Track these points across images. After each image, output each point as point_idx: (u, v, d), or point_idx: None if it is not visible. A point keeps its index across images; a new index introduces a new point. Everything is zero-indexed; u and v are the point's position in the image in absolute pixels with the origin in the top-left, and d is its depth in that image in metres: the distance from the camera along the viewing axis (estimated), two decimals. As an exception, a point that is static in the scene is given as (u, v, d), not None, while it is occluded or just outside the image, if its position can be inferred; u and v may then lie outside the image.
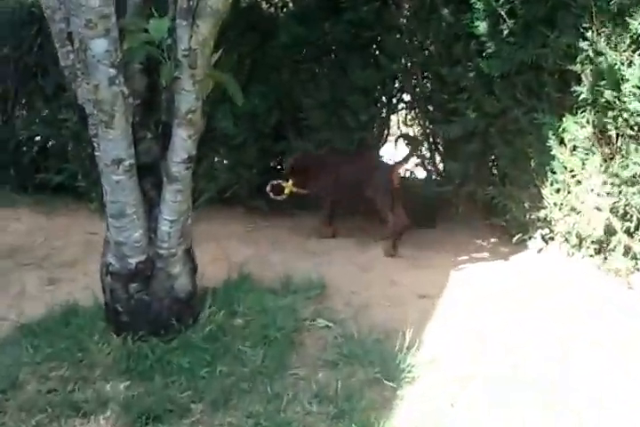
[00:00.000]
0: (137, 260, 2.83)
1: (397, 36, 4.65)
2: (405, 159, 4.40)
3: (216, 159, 5.36)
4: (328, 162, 4.52)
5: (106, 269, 2.84)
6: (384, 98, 4.96)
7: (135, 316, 2.85)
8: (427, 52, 4.56)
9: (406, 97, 4.93)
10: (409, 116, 4.94)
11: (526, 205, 4.22)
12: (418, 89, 4.77)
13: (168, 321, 2.85)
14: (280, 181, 4.61)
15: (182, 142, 2.72)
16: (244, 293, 3.33)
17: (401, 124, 5.12)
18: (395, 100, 4.99)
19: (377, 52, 4.73)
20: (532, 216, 4.22)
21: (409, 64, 4.64)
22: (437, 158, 4.85)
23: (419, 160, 4.92)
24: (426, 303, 3.52)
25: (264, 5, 5.16)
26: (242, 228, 4.87)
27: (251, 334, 2.93)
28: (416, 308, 3.43)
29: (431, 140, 4.79)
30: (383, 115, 4.99)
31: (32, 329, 3.00)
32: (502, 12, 3.94)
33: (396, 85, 4.88)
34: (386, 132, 5.09)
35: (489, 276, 3.91)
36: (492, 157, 4.60)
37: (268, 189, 4.60)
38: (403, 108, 5.04)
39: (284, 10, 5.19)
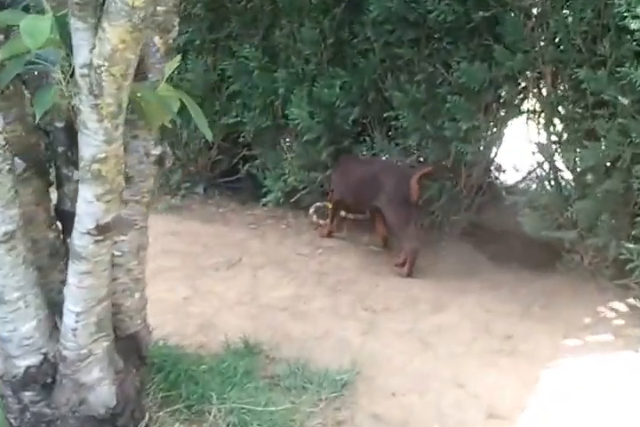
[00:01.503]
0: (27, 362, 1.88)
1: (522, 19, 3.27)
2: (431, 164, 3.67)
3: (285, 156, 4.26)
4: (349, 161, 3.97)
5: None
6: (495, 104, 3.55)
7: (33, 434, 1.96)
8: (561, 46, 3.08)
9: (526, 105, 3.49)
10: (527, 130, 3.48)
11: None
12: (543, 96, 3.33)
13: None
14: (325, 203, 3.77)
15: (87, 206, 1.67)
16: (227, 383, 2.33)
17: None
18: (509, 108, 3.55)
19: (491, 41, 3.29)
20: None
21: (535, 60, 3.19)
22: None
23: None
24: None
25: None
26: (295, 250, 3.78)
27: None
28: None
29: (551, 167, 3.35)
30: (491, 125, 3.59)
31: None
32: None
33: (516, 88, 3.43)
34: (495, 148, 3.71)
35: (614, 382, 2.62)
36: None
37: (310, 211, 3.51)
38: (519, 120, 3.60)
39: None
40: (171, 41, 2.01)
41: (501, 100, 3.77)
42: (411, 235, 3.53)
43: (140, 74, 1.83)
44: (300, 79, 4.18)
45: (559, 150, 3.41)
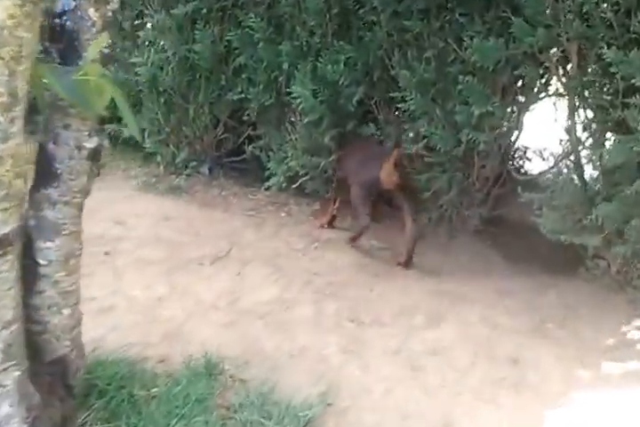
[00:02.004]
0: None
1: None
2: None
3: (289, 137, 3.90)
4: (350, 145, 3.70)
5: None
6: (513, 87, 3.09)
7: None
8: (589, 20, 2.60)
9: (551, 87, 3.03)
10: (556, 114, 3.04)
11: None
12: (568, 78, 2.86)
13: None
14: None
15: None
16: (174, 415, 2.08)
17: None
18: (528, 92, 3.09)
19: (509, 13, 2.83)
20: None
21: (558, 37, 2.71)
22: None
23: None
24: None
25: None
26: (289, 244, 3.45)
27: None
28: None
29: (576, 161, 2.92)
30: (508, 111, 3.14)
31: None
32: None
33: (537, 69, 2.96)
34: (514, 136, 3.27)
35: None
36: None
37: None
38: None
39: None
40: (109, 13, 1.72)
41: (521, 83, 3.27)
42: (363, 214, 3.34)
43: (74, 53, 1.62)
44: (305, 53, 3.79)
45: (585, 143, 2.93)
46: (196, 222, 3.68)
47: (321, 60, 3.68)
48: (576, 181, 3.03)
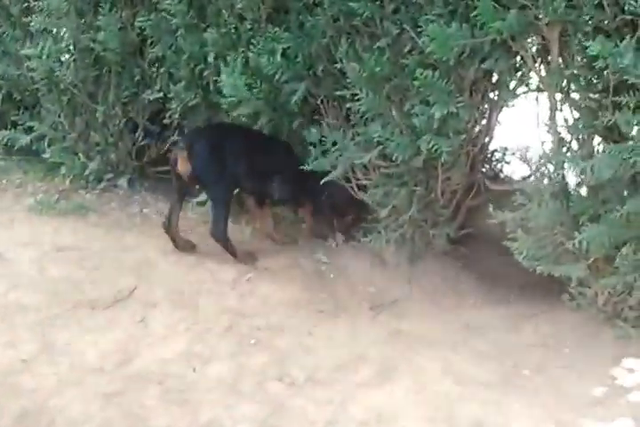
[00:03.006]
0: None
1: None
2: None
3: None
4: None
5: None
6: (483, 82, 2.77)
7: None
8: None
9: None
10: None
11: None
12: (547, 73, 2.52)
13: None
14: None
15: None
16: None
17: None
18: (502, 89, 2.77)
19: (474, -6, 2.52)
20: None
21: (535, 21, 2.37)
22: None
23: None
24: None
25: None
26: (215, 275, 3.06)
27: None
28: None
29: (554, 174, 2.58)
30: (478, 112, 2.80)
31: None
32: None
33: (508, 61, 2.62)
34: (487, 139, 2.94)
35: None
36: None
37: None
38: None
39: None
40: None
41: (492, 78, 2.92)
42: None
43: None
44: (234, 42, 3.39)
45: (568, 152, 2.58)
46: (97, 252, 3.23)
47: (253, 50, 3.30)
48: (557, 197, 2.68)
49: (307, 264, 3.33)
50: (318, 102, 3.34)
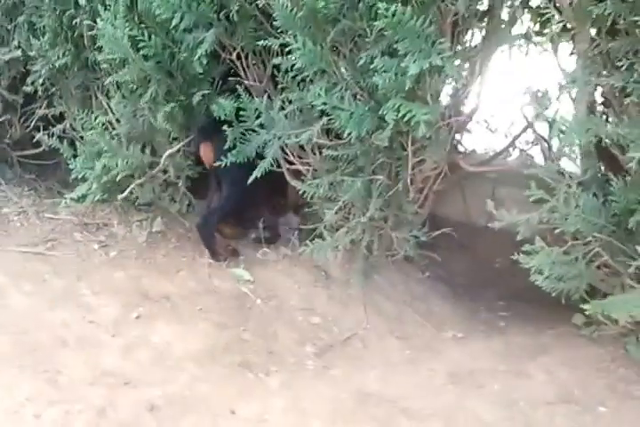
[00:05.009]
0: None
1: None
2: None
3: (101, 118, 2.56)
4: None
5: None
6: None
7: None
8: None
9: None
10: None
11: None
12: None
13: None
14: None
15: None
16: None
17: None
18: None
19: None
20: None
21: None
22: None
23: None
24: None
25: None
26: (90, 310, 2.10)
27: None
28: None
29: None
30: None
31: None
32: None
33: None
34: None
35: None
36: None
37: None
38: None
39: None
40: None
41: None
42: None
43: None
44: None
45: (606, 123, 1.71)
46: None
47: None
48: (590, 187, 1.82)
49: (222, 285, 2.37)
50: (232, 57, 2.35)
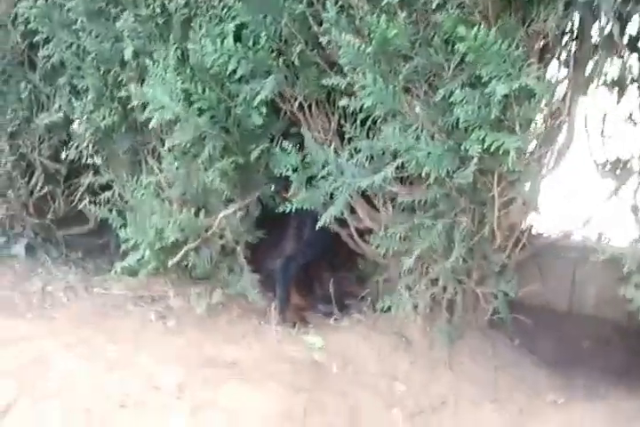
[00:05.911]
0: None
1: None
2: None
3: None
4: None
5: None
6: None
7: None
8: None
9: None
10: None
11: None
12: None
13: None
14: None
15: None
16: None
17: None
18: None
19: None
20: None
21: None
22: None
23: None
24: None
25: None
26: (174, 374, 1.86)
27: None
28: None
29: None
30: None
31: None
32: None
33: None
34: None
35: None
36: None
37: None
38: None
39: None
40: None
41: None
42: None
43: None
44: (161, 29, 2.32)
45: None
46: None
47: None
48: None
49: (292, 351, 2.13)
50: (294, 108, 2.22)
